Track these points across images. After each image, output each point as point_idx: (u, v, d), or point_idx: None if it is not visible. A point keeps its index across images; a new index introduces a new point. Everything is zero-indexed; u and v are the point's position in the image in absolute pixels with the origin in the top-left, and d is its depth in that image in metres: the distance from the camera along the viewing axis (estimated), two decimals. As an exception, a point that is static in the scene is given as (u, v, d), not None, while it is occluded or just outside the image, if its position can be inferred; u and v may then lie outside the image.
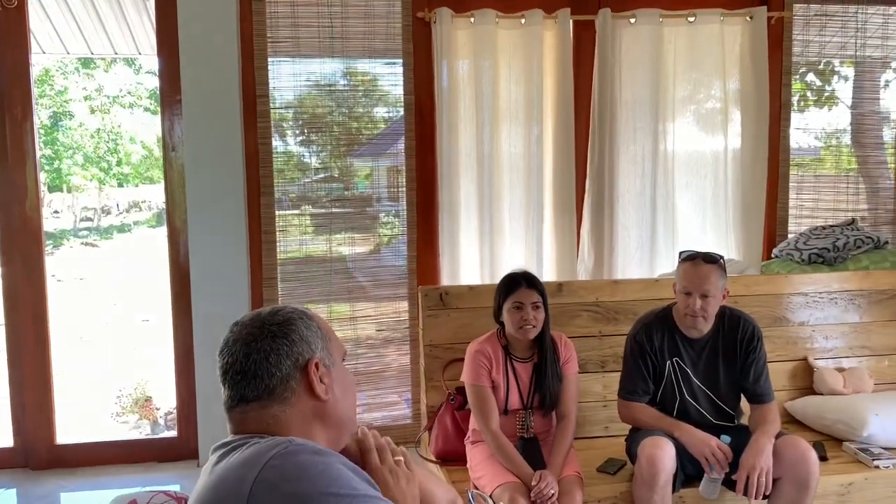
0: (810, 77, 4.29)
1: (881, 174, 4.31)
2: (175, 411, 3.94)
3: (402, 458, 1.38)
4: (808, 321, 3.44)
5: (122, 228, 15.90)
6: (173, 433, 4.04)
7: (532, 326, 2.67)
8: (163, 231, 3.76)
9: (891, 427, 2.94)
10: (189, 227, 3.62)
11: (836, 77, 4.35)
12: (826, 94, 4.32)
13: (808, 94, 4.29)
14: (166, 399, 4.84)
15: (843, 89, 4.34)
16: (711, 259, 2.62)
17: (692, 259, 2.63)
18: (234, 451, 1.19)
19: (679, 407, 2.71)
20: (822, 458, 2.81)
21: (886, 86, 4.33)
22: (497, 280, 2.87)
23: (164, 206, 3.78)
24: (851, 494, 2.76)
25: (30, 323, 3.63)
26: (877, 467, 2.80)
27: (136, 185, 16.60)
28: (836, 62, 4.26)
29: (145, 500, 1.44)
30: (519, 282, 2.72)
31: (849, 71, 4.30)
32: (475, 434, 2.79)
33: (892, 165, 4.29)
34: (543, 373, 2.73)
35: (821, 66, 4.27)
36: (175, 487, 3.44)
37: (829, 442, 3.03)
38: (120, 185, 16.41)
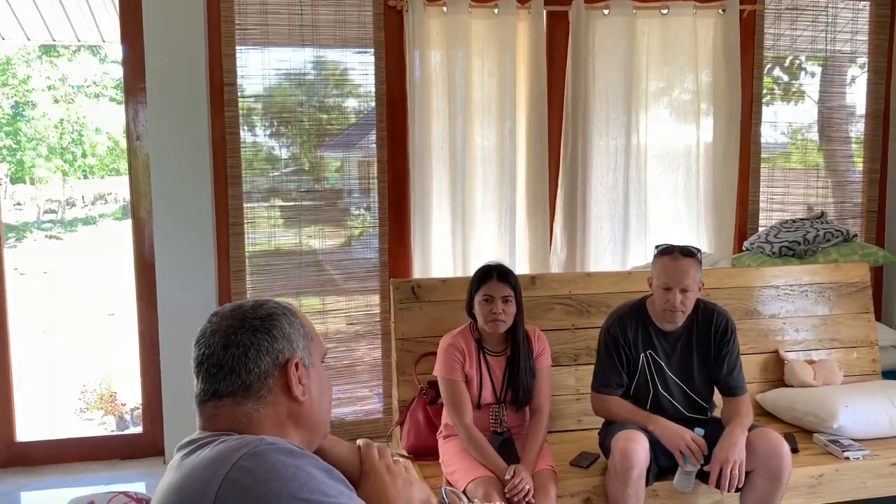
0: (777, 72, 4.31)
1: (847, 168, 4.35)
2: (141, 407, 3.86)
3: (400, 460, 1.35)
4: (779, 314, 3.45)
5: (88, 221, 15.59)
6: (139, 429, 3.95)
7: (501, 321, 2.64)
8: (129, 224, 3.68)
9: (860, 419, 2.96)
10: (154, 218, 3.53)
11: (803, 72, 4.38)
12: (794, 88, 4.34)
13: (775, 89, 4.30)
14: (133, 395, 4.73)
15: (812, 84, 4.36)
16: (689, 253, 2.60)
17: (670, 253, 2.60)
18: (200, 448, 1.14)
19: (652, 400, 2.69)
20: (794, 450, 2.80)
21: (853, 81, 4.36)
22: (470, 273, 2.83)
23: (130, 198, 3.69)
24: (822, 486, 2.78)
25: (-12, 317, 3.52)
26: (847, 459, 2.82)
27: (102, 178, 16.27)
28: (804, 57, 4.28)
29: (103, 501, 1.37)
30: (490, 274, 2.69)
31: (817, 66, 4.32)
32: (447, 428, 2.75)
33: (859, 160, 4.33)
34: (516, 367, 2.69)
35: (787, 63, 4.29)
36: (140, 485, 3.36)
37: (799, 434, 3.04)
38: (85, 176, 16.09)
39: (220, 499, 1.03)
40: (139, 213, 3.63)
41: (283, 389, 1.21)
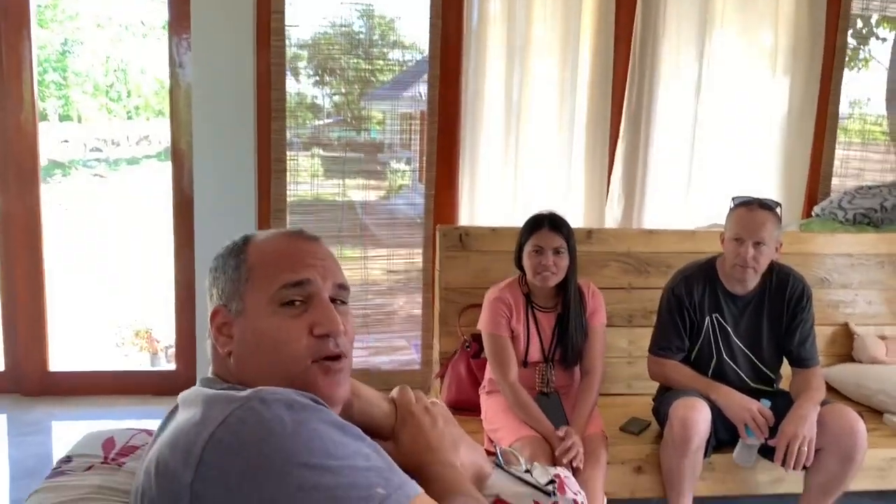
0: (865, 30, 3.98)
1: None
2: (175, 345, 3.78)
3: (438, 402, 1.18)
4: (852, 284, 3.21)
5: (132, 161, 15.66)
6: (172, 366, 3.88)
7: (551, 273, 2.44)
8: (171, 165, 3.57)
9: (938, 401, 2.73)
10: (194, 155, 3.40)
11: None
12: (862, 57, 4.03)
13: (861, 50, 3.99)
14: (168, 332, 4.68)
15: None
16: (768, 206, 2.38)
17: (747, 205, 2.39)
18: (196, 390, 1.01)
19: (715, 367, 2.50)
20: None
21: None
22: (520, 224, 2.62)
23: (170, 130, 3.56)
24: (892, 470, 2.57)
25: (23, 246, 3.44)
26: (922, 443, 2.61)
27: (148, 119, 16.27)
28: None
29: (125, 437, 1.23)
30: (541, 223, 2.48)
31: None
32: (491, 384, 2.59)
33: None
34: (567, 324, 2.51)
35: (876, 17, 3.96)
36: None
37: (868, 413, 2.82)
38: (129, 117, 16.11)
39: (203, 463, 0.86)
40: (179, 150, 3.50)
41: None
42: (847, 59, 3.81)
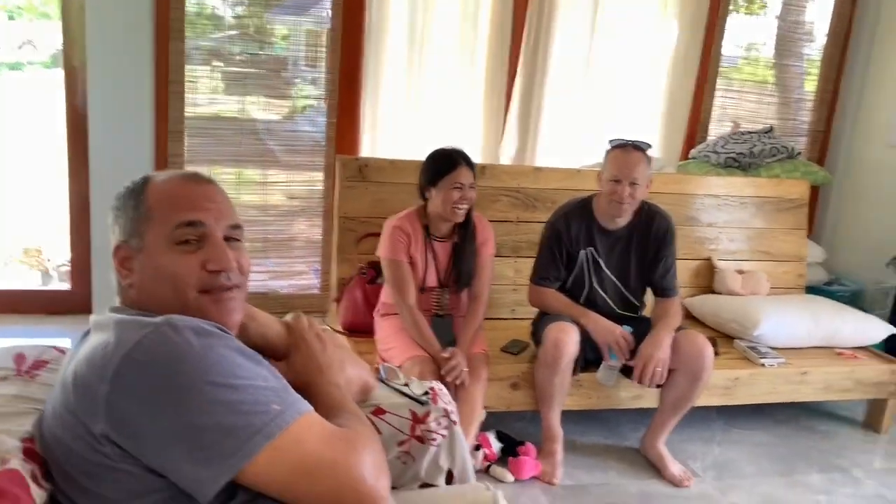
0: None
1: (800, 85, 4.37)
2: (69, 264, 3.74)
3: (328, 328, 1.33)
4: (717, 223, 3.53)
5: (15, 66, 14.62)
6: (66, 285, 3.85)
7: (466, 209, 2.60)
8: (59, 73, 3.44)
9: (780, 329, 3.09)
10: (88, 69, 3.30)
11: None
12: (756, 2, 4.28)
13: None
14: (59, 251, 4.58)
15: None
16: (641, 148, 2.61)
17: (622, 147, 2.60)
18: (110, 316, 1.10)
19: (587, 295, 2.75)
20: (714, 354, 2.93)
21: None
22: (417, 155, 2.73)
23: (62, 45, 3.43)
24: (736, 388, 2.93)
25: None
26: (762, 365, 2.96)
27: (31, 21, 15.17)
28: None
29: (35, 353, 1.31)
30: (458, 161, 2.59)
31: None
32: (385, 307, 2.76)
33: (812, 79, 4.34)
34: (462, 253, 2.69)
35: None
36: (66, 340, 3.30)
37: (721, 339, 3.17)
38: (11, 17, 14.97)
39: (119, 377, 0.97)
40: (71, 61, 3.39)
41: None
42: (738, 5, 4.04)
